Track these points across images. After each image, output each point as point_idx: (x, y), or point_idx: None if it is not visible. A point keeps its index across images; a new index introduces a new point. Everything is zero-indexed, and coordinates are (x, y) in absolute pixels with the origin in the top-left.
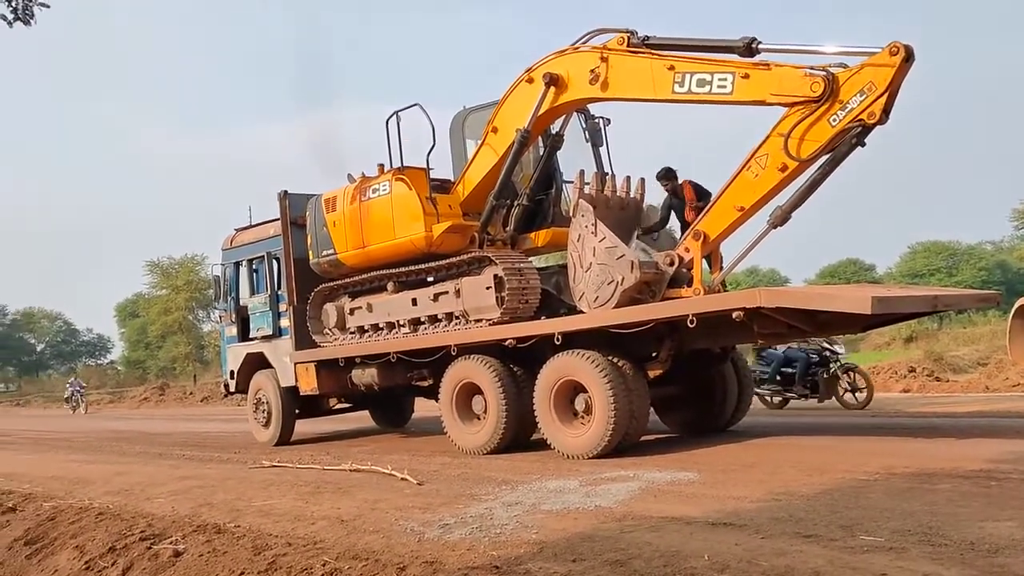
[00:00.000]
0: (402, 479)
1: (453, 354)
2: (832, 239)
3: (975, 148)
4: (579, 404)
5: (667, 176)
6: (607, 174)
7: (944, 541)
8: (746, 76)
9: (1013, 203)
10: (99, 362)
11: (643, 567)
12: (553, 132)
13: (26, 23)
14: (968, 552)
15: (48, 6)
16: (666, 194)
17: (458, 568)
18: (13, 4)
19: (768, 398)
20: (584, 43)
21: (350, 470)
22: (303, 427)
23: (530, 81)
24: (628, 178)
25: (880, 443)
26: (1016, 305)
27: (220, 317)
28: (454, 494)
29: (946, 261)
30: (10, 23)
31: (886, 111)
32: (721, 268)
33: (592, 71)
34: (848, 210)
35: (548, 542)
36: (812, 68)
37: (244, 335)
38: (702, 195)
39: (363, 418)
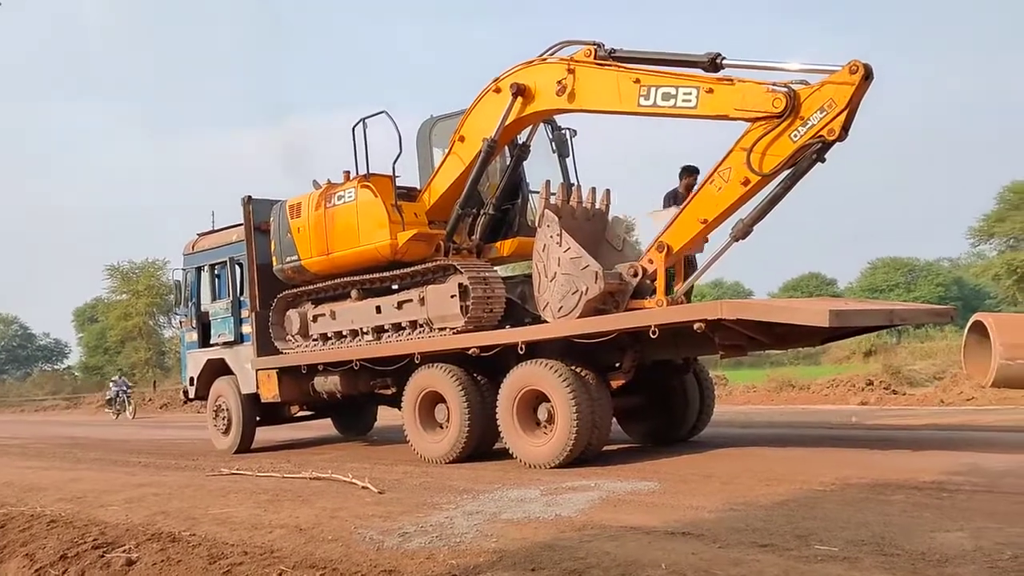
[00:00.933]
0: (363, 487)
1: (416, 362)
2: (795, 253)
3: (936, 166)
4: (542, 413)
5: (691, 172)
6: (573, 185)
7: (896, 551)
8: (710, 91)
9: (970, 221)
10: (56, 367)
11: None
12: (520, 142)
13: None
14: (919, 562)
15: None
16: (677, 184)
17: None
18: None
19: None
20: (552, 54)
21: (310, 478)
22: (263, 434)
23: (497, 91)
24: (594, 189)
25: (836, 454)
26: (971, 321)
27: (180, 323)
28: (415, 503)
29: (905, 277)
30: None
31: (845, 128)
32: (684, 280)
33: (559, 82)
34: (811, 225)
35: (507, 551)
36: (775, 84)
37: (205, 341)
38: None
39: (325, 426)
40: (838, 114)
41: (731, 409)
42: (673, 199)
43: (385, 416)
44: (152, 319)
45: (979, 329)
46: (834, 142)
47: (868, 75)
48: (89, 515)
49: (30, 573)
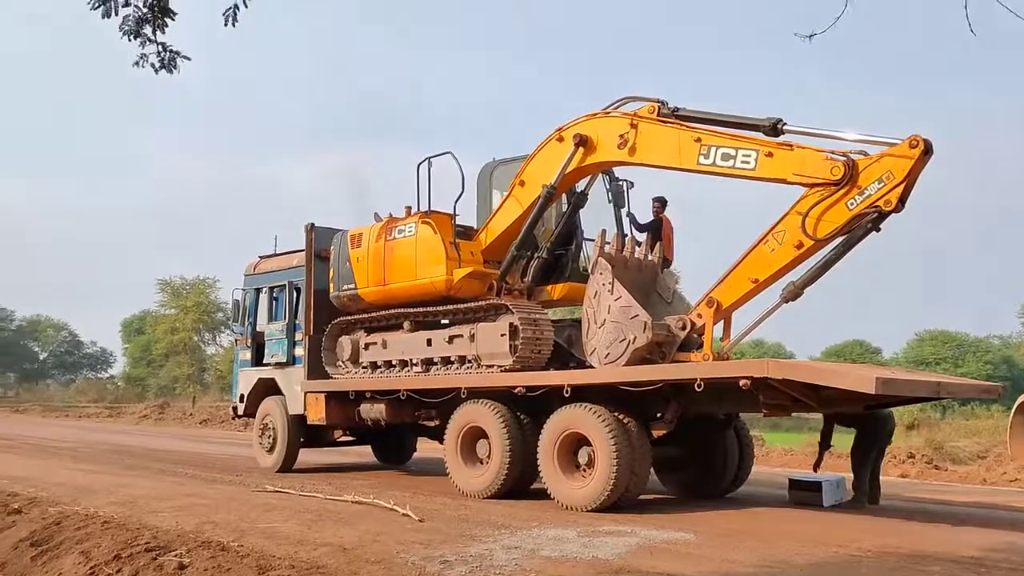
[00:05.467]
0: (404, 514)
1: (463, 397)
2: (840, 319)
3: (991, 240)
4: (582, 457)
5: (662, 203)
6: (627, 235)
7: None
8: (770, 154)
9: None
10: (99, 376)
11: None
12: (578, 190)
13: (169, 71)
14: None
15: (190, 59)
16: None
17: None
18: (161, 56)
19: None
20: (615, 108)
21: (352, 501)
22: (305, 456)
23: (560, 140)
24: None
25: (875, 522)
26: (1018, 402)
27: (236, 340)
28: (454, 533)
29: (952, 351)
30: (156, 70)
31: (902, 200)
32: (731, 336)
33: (621, 136)
34: (858, 292)
35: None
36: (833, 153)
37: (258, 360)
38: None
39: (362, 452)
40: (896, 186)
41: (766, 470)
42: (650, 228)
43: (423, 447)
44: (198, 335)
45: None
46: (890, 213)
47: (928, 150)
48: (140, 519)
49: (85, 570)
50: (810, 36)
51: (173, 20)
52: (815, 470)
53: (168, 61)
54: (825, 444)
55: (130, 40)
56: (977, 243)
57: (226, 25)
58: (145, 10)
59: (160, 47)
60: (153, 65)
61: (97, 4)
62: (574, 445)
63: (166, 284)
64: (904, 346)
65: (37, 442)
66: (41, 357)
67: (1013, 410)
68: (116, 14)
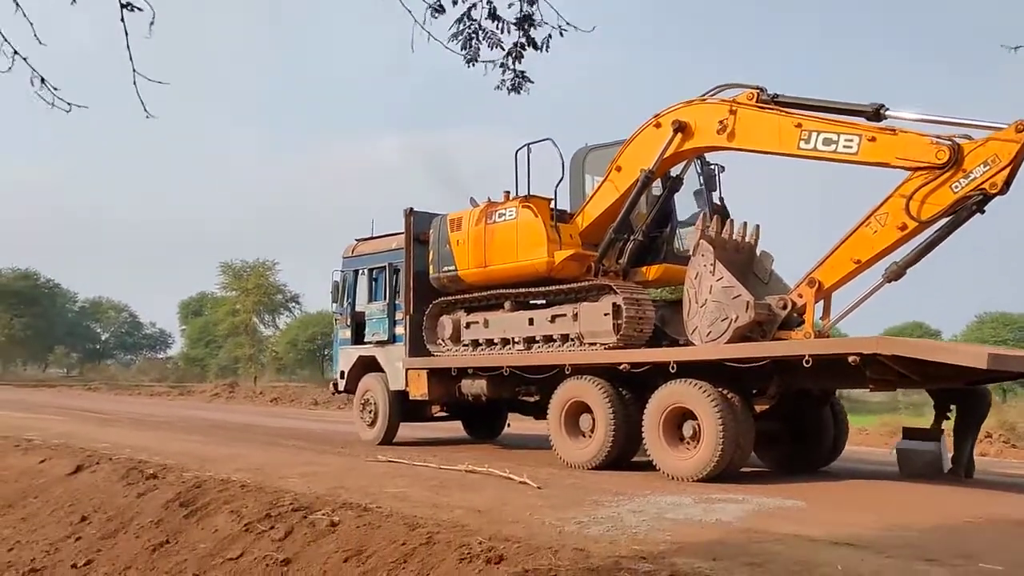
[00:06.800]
0: (521, 482)
1: (567, 373)
2: (896, 301)
3: None
4: (687, 430)
5: None
6: (729, 218)
7: None
8: (872, 139)
9: None
10: (158, 356)
11: (780, 570)
12: (673, 175)
13: (518, 93)
14: None
15: (533, 82)
16: None
17: (607, 556)
18: (514, 80)
19: None
20: (713, 95)
21: (466, 471)
22: (400, 431)
23: (658, 126)
24: (745, 224)
25: (977, 494)
26: None
27: (336, 320)
28: (576, 499)
29: (1014, 334)
30: (508, 92)
31: (1007, 183)
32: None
33: (720, 122)
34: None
35: (683, 544)
36: (938, 137)
37: (357, 338)
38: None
39: (452, 428)
40: (1001, 169)
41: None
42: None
43: (514, 424)
44: (258, 316)
45: None
46: (995, 195)
47: None
48: (274, 484)
49: (239, 527)
50: (1015, 48)
51: (536, 51)
52: None
53: (519, 84)
54: (942, 416)
55: (470, 66)
56: None
57: (504, 89)
58: (504, 52)
59: (515, 73)
60: (508, 88)
61: (467, 55)
62: (679, 419)
63: (227, 266)
64: (964, 328)
65: (132, 417)
66: (103, 338)
67: None
68: (477, 60)
